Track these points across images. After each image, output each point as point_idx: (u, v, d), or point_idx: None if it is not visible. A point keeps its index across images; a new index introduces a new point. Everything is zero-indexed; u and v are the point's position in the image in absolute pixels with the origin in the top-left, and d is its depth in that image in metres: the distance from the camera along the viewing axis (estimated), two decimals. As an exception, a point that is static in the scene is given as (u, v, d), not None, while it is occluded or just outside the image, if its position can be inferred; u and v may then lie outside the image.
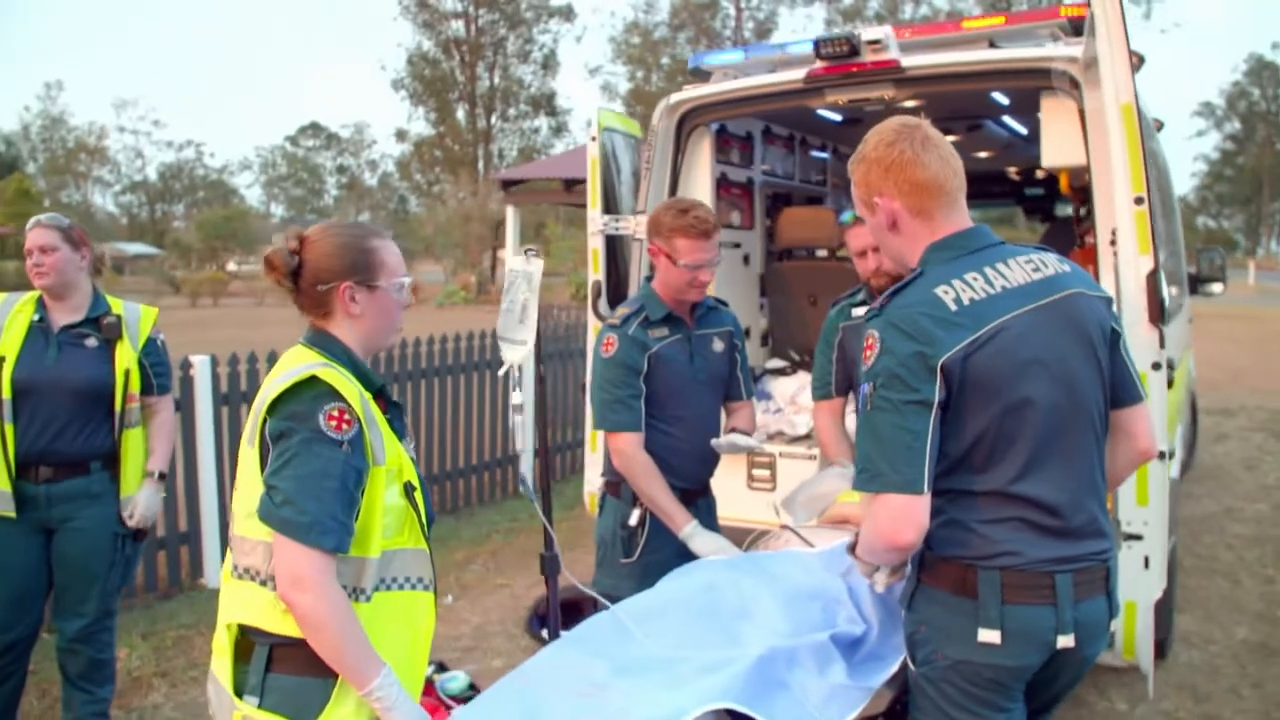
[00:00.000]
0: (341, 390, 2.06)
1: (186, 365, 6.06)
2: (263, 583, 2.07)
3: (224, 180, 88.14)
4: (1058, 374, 2.15)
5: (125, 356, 3.69)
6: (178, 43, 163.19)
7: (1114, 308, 2.36)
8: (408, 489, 2.18)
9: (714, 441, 3.49)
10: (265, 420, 2.05)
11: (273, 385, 2.07)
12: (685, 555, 3.39)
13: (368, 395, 2.15)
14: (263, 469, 2.06)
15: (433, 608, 2.26)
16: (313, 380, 2.05)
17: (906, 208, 2.23)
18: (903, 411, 2.06)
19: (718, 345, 3.60)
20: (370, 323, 2.24)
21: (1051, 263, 2.28)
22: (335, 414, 2.02)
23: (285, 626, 2.05)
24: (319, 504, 1.97)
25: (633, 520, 3.48)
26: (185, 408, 6.03)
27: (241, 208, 75.89)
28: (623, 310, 3.56)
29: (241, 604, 2.11)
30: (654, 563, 3.43)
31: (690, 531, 3.33)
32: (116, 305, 3.77)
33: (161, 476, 3.82)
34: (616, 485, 3.57)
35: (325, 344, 2.20)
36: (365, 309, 2.22)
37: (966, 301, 2.11)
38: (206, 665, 4.76)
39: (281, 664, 2.07)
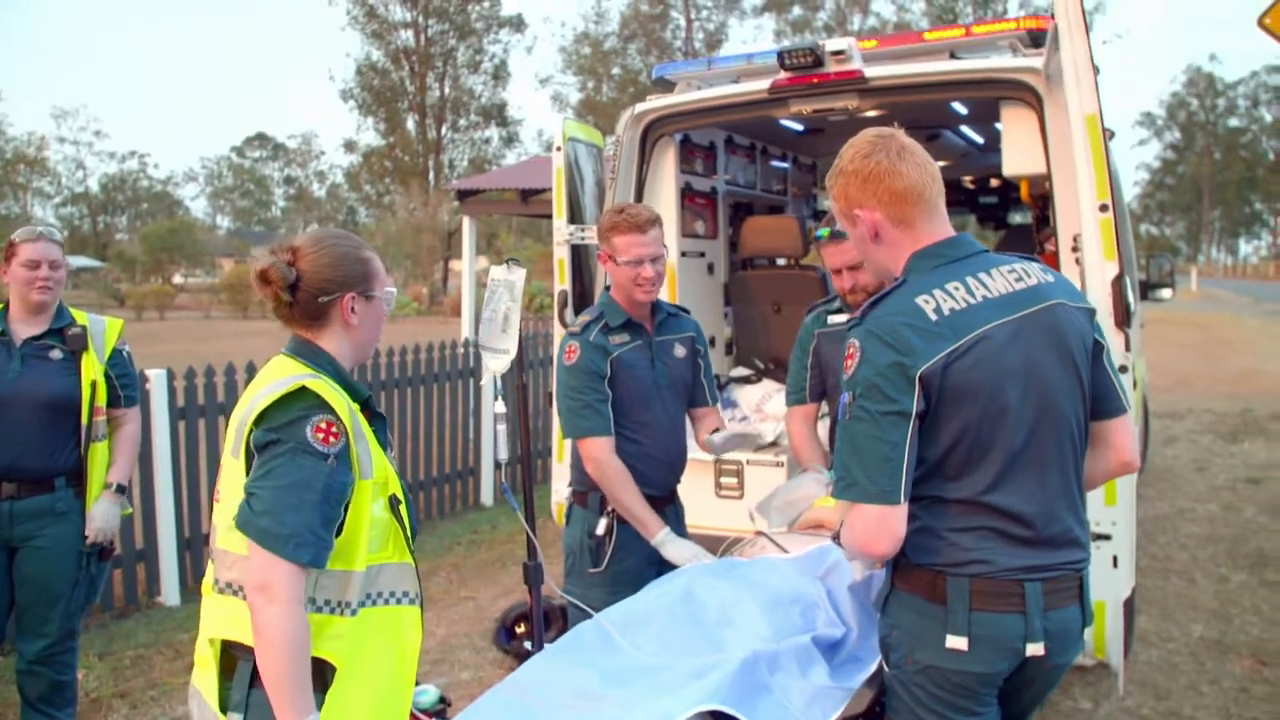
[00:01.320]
0: (331, 402, 2.04)
1: (142, 380, 5.96)
2: (245, 597, 2.03)
3: (168, 192, 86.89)
4: (1034, 385, 2.16)
5: (91, 368, 3.61)
6: (119, 52, 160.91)
7: (1096, 319, 2.37)
8: (393, 502, 2.16)
9: (710, 439, 3.51)
10: (251, 430, 2.03)
11: (260, 395, 2.04)
12: (653, 564, 3.42)
13: (355, 407, 2.14)
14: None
15: (419, 622, 2.23)
16: (302, 391, 2.03)
17: (888, 218, 2.24)
18: (880, 422, 2.07)
19: (679, 351, 3.62)
20: (364, 333, 2.24)
21: (1035, 272, 2.29)
22: (323, 426, 2.00)
23: None
24: (298, 516, 1.94)
25: (600, 529, 3.48)
26: (141, 423, 5.91)
27: (187, 220, 74.92)
28: (583, 318, 3.57)
29: (225, 619, 2.08)
30: (621, 572, 3.45)
31: (663, 538, 3.34)
32: (80, 317, 3.69)
33: (121, 490, 3.72)
34: (584, 495, 3.57)
35: (311, 355, 2.17)
36: (363, 319, 2.22)
37: (947, 311, 2.12)
38: (166, 685, 4.73)
39: None
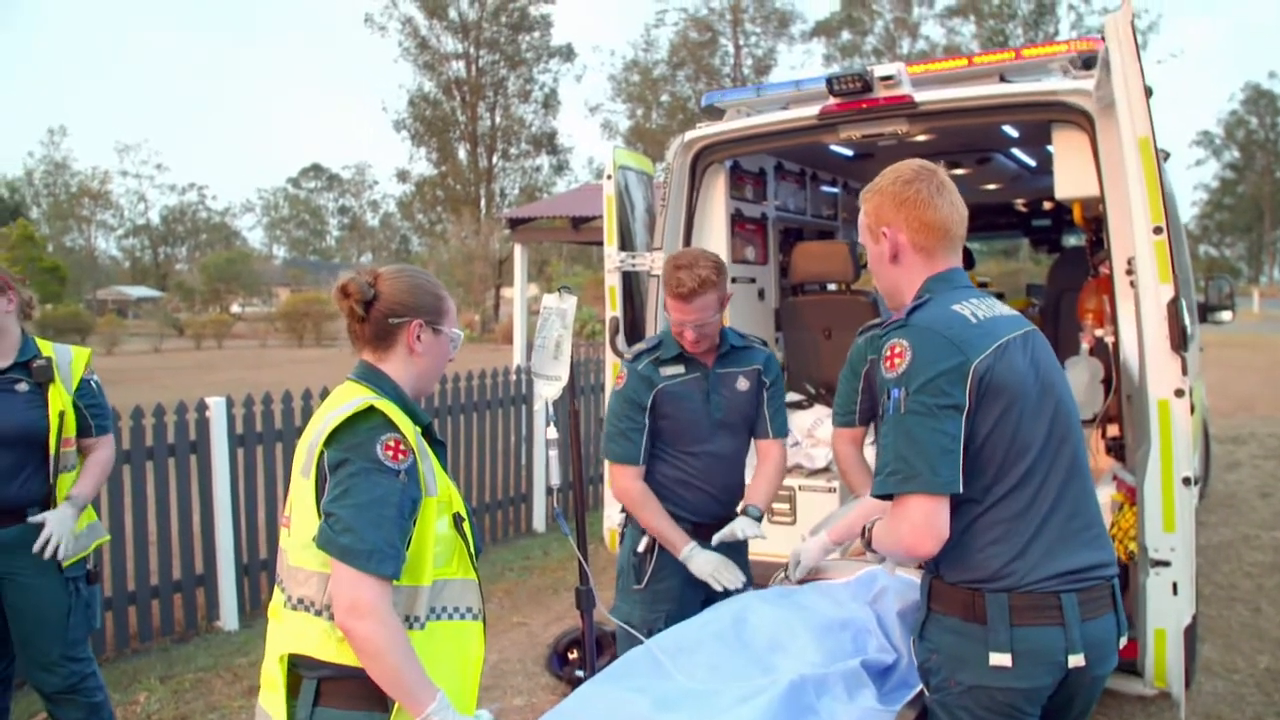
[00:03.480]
0: (397, 422, 2.12)
1: (202, 407, 6.09)
2: (317, 613, 2.11)
3: (226, 223, 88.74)
4: (1050, 389, 2.28)
5: (59, 399, 3.59)
6: (180, 86, 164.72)
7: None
8: (456, 520, 2.24)
9: (716, 535, 3.51)
10: (322, 452, 2.10)
11: (330, 416, 2.12)
12: (694, 585, 3.49)
13: (417, 430, 2.22)
14: (318, 500, 2.10)
15: (482, 637, 2.31)
16: (370, 411, 2.11)
17: (912, 243, 2.37)
18: (939, 415, 2.14)
19: (742, 384, 3.62)
20: (426, 363, 2.33)
21: (1010, 306, 2.47)
22: (391, 444, 2.09)
23: (339, 655, 2.08)
24: (378, 532, 2.02)
25: (640, 547, 3.57)
26: (201, 450, 6.05)
27: (244, 250, 76.44)
28: (640, 346, 3.67)
29: (295, 634, 2.15)
30: (661, 590, 3.53)
31: (688, 553, 3.43)
32: (46, 348, 3.65)
33: (79, 505, 3.60)
34: (630, 515, 3.66)
35: (376, 380, 2.27)
36: (427, 349, 2.31)
37: (982, 317, 2.26)
38: (225, 709, 4.80)
39: (329, 698, 2.11)
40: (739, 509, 3.62)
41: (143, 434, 5.80)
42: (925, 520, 2.14)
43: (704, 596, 3.54)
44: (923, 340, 2.19)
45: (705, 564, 3.41)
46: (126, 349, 35.68)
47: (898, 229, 2.36)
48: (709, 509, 3.61)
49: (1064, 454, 2.26)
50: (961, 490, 2.13)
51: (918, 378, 2.15)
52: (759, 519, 3.52)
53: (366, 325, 2.28)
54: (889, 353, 2.23)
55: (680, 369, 3.55)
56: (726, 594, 3.35)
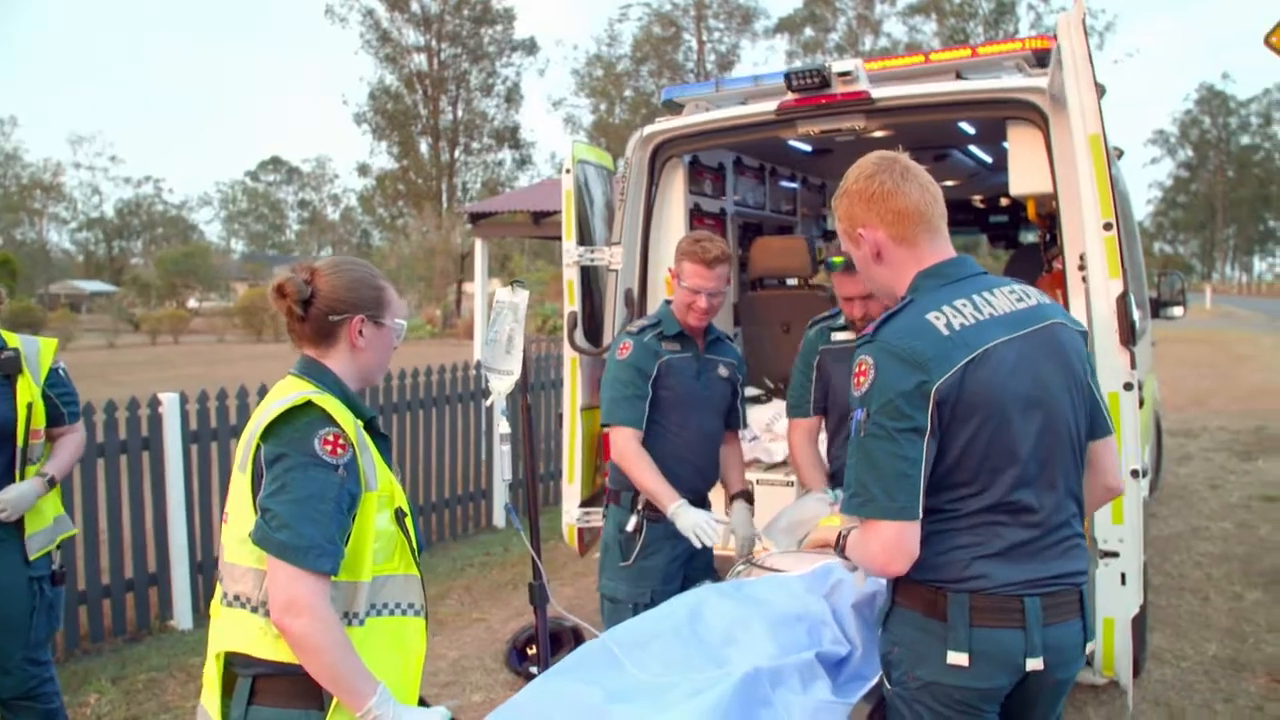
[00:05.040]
0: (336, 416, 2.10)
1: (155, 403, 6.01)
2: (254, 609, 2.08)
3: (183, 216, 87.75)
4: (1041, 399, 2.19)
5: (27, 390, 3.50)
6: (135, 77, 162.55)
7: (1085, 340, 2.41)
8: (398, 515, 2.22)
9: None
10: (259, 446, 2.07)
11: (268, 411, 2.09)
12: (679, 561, 3.68)
13: (359, 423, 2.19)
14: (254, 495, 2.07)
15: (424, 633, 2.29)
16: (308, 406, 2.08)
17: (890, 237, 2.28)
18: (897, 439, 2.09)
19: (723, 371, 3.88)
20: (370, 356, 2.31)
21: (1035, 294, 2.35)
22: (330, 439, 2.06)
23: (275, 652, 2.05)
24: (316, 527, 1.99)
25: (629, 526, 3.71)
26: (154, 446, 5.97)
27: (201, 244, 75.53)
28: (640, 322, 3.88)
29: (230, 631, 2.12)
30: (649, 567, 3.70)
31: (675, 510, 3.53)
32: (12, 339, 3.57)
33: (51, 482, 3.56)
34: (617, 494, 3.82)
35: (318, 374, 2.24)
36: (370, 343, 2.29)
37: (957, 326, 2.15)
38: (178, 709, 4.75)
39: (264, 696, 2.09)
40: (731, 494, 3.89)
41: (94, 431, 5.70)
42: (895, 541, 2.11)
43: (686, 573, 3.74)
44: (884, 360, 2.13)
45: (689, 518, 3.50)
46: (80, 345, 35.04)
47: (873, 227, 2.29)
48: (694, 483, 3.78)
49: (1051, 465, 2.21)
50: (921, 515, 2.10)
51: (877, 399, 2.11)
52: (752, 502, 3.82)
53: (306, 324, 2.24)
54: (857, 370, 2.18)
55: (678, 346, 3.77)
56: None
